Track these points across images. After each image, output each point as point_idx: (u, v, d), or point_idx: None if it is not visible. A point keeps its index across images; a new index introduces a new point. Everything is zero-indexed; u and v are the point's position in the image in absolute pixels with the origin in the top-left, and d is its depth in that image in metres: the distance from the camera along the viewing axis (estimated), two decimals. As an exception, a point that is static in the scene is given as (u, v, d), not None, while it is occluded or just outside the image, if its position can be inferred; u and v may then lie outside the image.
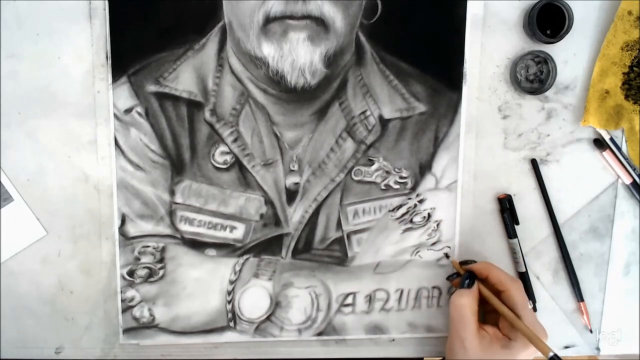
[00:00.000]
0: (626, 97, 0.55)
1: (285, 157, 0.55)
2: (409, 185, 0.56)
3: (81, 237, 0.56)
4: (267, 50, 0.52)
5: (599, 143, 0.57)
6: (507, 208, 0.57)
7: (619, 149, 0.57)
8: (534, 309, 0.58)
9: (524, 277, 0.58)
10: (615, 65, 0.54)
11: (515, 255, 0.58)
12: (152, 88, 0.53)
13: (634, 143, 0.56)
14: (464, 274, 0.53)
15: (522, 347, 0.50)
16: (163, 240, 0.56)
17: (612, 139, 0.56)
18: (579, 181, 0.58)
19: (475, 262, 0.55)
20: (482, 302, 0.53)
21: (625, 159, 0.57)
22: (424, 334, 0.59)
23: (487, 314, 0.55)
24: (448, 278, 0.56)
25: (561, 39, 0.54)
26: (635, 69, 0.54)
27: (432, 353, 0.60)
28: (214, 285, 0.57)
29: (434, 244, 0.57)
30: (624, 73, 0.54)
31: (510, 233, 0.57)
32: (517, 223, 0.57)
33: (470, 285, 0.52)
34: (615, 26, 0.54)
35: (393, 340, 0.59)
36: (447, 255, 0.57)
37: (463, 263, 0.55)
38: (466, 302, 0.51)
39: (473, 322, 0.51)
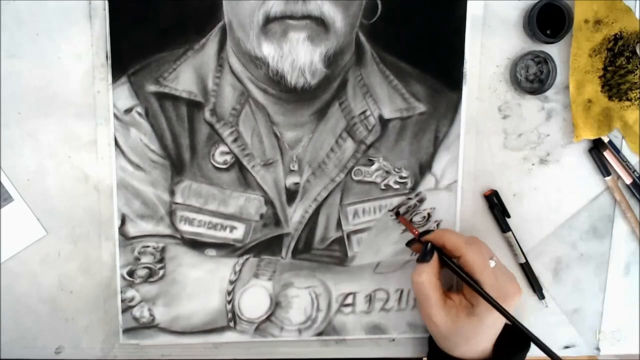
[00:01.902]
0: (609, 98, 0.55)
1: (285, 157, 0.55)
2: (409, 185, 0.56)
3: (81, 237, 0.56)
4: (267, 50, 0.52)
5: (599, 143, 0.57)
6: (495, 203, 0.57)
7: (618, 150, 0.57)
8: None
9: (524, 268, 0.58)
10: (589, 73, 0.54)
11: (512, 248, 0.58)
12: (152, 88, 0.53)
13: (632, 137, 0.56)
14: (423, 247, 0.52)
15: (485, 312, 0.49)
16: (163, 240, 0.56)
17: (610, 142, 0.56)
18: (579, 181, 0.58)
19: (432, 230, 0.54)
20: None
21: (625, 160, 0.57)
22: (424, 334, 0.59)
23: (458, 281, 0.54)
24: (407, 244, 0.55)
25: (561, 39, 0.54)
26: (609, 68, 0.54)
27: (432, 353, 0.60)
28: (214, 285, 0.57)
29: (434, 244, 0.58)
30: (600, 77, 0.54)
31: (504, 227, 0.57)
32: (508, 216, 0.57)
33: (429, 259, 0.51)
34: (576, 39, 0.54)
35: (393, 340, 0.59)
36: (397, 213, 0.56)
37: (423, 234, 0.53)
38: (425, 278, 0.50)
39: (437, 298, 0.50)
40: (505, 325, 0.51)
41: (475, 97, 0.56)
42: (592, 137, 0.56)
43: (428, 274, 0.50)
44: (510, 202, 0.57)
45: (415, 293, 0.52)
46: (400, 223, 0.56)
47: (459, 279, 0.51)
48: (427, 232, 0.53)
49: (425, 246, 0.52)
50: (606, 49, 0.54)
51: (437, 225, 0.57)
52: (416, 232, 0.54)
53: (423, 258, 0.51)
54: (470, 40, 0.54)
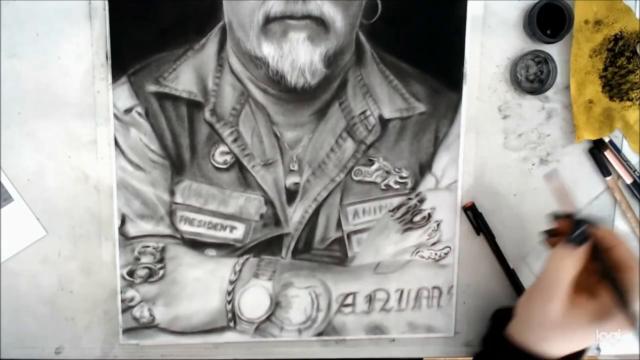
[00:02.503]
0: (611, 98, 0.55)
1: (285, 157, 0.55)
2: (409, 185, 0.56)
3: (81, 237, 0.56)
4: (267, 50, 0.52)
5: (600, 143, 0.57)
6: (470, 219, 0.57)
7: (619, 150, 0.57)
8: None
9: (508, 275, 0.58)
10: (590, 74, 0.54)
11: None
12: (152, 88, 0.53)
13: (633, 137, 0.56)
14: (579, 226, 0.44)
15: (613, 329, 0.44)
16: (163, 240, 0.56)
17: (611, 141, 0.56)
18: (579, 181, 0.58)
19: (594, 223, 0.45)
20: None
21: (626, 159, 0.57)
22: (424, 334, 0.59)
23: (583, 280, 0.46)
24: (546, 232, 0.48)
25: (561, 38, 0.54)
26: (610, 68, 0.54)
27: (432, 353, 0.60)
28: (214, 285, 0.57)
29: (434, 244, 0.57)
30: (600, 77, 0.54)
31: (487, 238, 0.57)
32: (480, 232, 0.57)
33: (581, 242, 0.44)
34: (577, 40, 0.54)
35: (393, 340, 0.59)
36: (551, 175, 0.50)
37: (581, 223, 0.45)
38: (569, 264, 0.44)
39: (566, 287, 0.44)
40: None
41: (475, 97, 0.56)
42: (594, 138, 0.56)
43: (574, 260, 0.44)
44: (510, 202, 0.57)
45: (545, 269, 0.46)
46: (552, 186, 0.49)
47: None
48: (584, 220, 0.46)
49: (579, 225, 0.44)
50: (606, 49, 0.54)
51: (437, 225, 0.57)
52: (571, 212, 0.46)
53: (576, 239, 0.44)
54: (470, 40, 0.54)
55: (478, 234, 0.57)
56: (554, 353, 0.46)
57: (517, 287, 0.58)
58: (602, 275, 0.45)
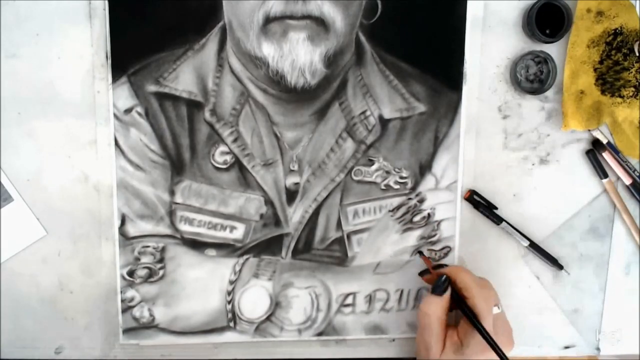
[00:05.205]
0: (602, 92, 0.55)
1: (285, 157, 0.55)
2: (409, 185, 0.56)
3: (81, 237, 0.56)
4: (267, 50, 0.52)
5: (598, 144, 0.57)
6: (477, 201, 0.57)
7: (617, 151, 0.57)
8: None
9: (532, 249, 0.58)
10: (585, 64, 0.54)
11: (512, 236, 0.57)
12: (152, 88, 0.53)
13: (620, 135, 0.56)
14: (438, 279, 0.52)
15: (473, 354, 0.49)
16: (163, 240, 0.56)
17: (609, 143, 0.56)
18: (579, 181, 0.58)
19: (447, 265, 0.55)
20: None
21: (625, 160, 0.57)
22: (424, 334, 0.59)
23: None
24: (420, 274, 0.55)
25: (560, 38, 0.54)
26: (605, 61, 0.54)
27: (432, 353, 0.60)
28: (213, 286, 0.57)
29: (434, 244, 0.58)
30: (595, 69, 0.54)
31: (495, 221, 0.57)
32: (495, 208, 0.57)
33: (441, 292, 0.51)
34: (576, 27, 0.54)
35: (393, 340, 0.59)
36: (420, 252, 0.57)
37: (436, 267, 0.54)
38: (434, 311, 0.51)
39: (439, 331, 0.51)
40: None
41: (475, 97, 0.56)
42: (580, 129, 0.56)
43: (437, 307, 0.51)
44: (510, 202, 0.57)
45: (418, 321, 0.52)
46: (421, 259, 0.57)
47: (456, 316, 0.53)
48: (441, 265, 0.55)
49: (440, 278, 0.52)
50: (605, 42, 0.54)
51: (437, 225, 0.57)
52: (430, 265, 0.55)
53: (436, 290, 0.51)
54: (470, 40, 0.54)
55: (496, 211, 0.57)
56: None
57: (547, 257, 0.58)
58: (461, 310, 0.51)
